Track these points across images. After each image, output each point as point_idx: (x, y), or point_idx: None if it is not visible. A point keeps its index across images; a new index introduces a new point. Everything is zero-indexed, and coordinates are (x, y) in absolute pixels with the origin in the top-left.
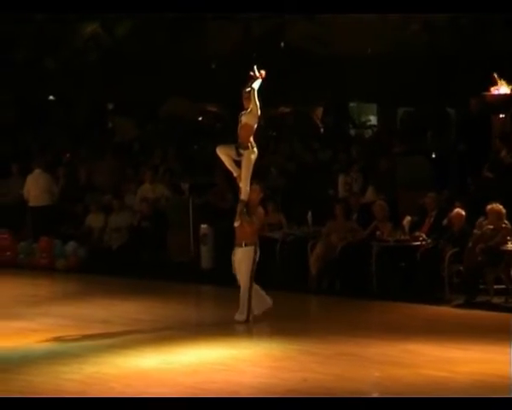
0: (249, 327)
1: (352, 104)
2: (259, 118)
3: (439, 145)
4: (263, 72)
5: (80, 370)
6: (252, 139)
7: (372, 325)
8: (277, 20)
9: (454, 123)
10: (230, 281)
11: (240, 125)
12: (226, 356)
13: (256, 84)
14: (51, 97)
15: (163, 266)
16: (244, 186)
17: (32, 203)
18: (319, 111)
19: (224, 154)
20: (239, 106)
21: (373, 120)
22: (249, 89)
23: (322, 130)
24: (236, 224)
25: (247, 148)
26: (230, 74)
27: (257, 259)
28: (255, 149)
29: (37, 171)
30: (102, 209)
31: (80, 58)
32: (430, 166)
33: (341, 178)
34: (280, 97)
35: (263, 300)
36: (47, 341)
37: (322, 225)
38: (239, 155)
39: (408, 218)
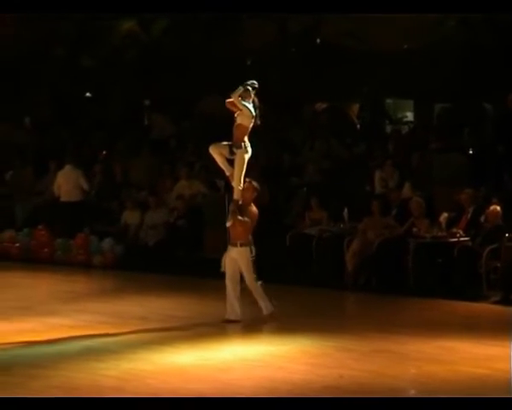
0: (285, 324)
1: (388, 100)
2: (255, 118)
3: (475, 142)
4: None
5: (117, 366)
6: (246, 139)
7: (409, 321)
8: (313, 17)
9: (491, 119)
10: (266, 277)
11: (235, 125)
12: (262, 352)
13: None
14: (88, 94)
15: (199, 262)
16: (236, 185)
17: (63, 199)
18: (355, 107)
19: (216, 152)
20: (274, 103)
21: (409, 116)
22: (229, 99)
23: (358, 126)
24: (229, 224)
25: (240, 147)
26: (266, 71)
27: (254, 257)
28: (248, 149)
29: (68, 167)
30: (139, 206)
31: (117, 55)
32: (467, 163)
33: (377, 175)
34: (316, 94)
35: (234, 308)
36: (84, 337)
37: (359, 221)
38: (232, 153)
39: (445, 214)
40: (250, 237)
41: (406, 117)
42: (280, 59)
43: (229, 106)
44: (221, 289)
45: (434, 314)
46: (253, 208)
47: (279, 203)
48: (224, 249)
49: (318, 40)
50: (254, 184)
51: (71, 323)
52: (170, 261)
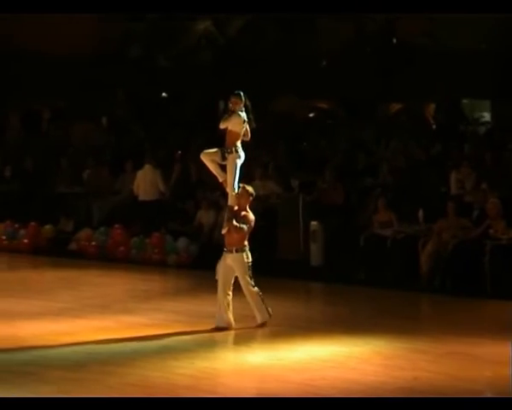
0: (358, 325)
1: (464, 100)
2: (249, 122)
3: None
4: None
5: (191, 365)
6: (238, 144)
7: (484, 324)
8: (389, 17)
9: None
10: (340, 278)
11: (227, 131)
12: (336, 353)
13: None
14: (164, 94)
15: (273, 262)
16: (230, 191)
17: (140, 198)
18: (431, 108)
19: (208, 160)
20: (349, 103)
21: (487, 116)
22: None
23: (434, 126)
24: (224, 231)
25: (231, 152)
26: (341, 71)
27: (250, 263)
28: (241, 154)
29: (146, 166)
30: (213, 206)
31: (193, 55)
32: None
33: (453, 176)
34: (392, 94)
35: (227, 316)
36: (159, 336)
37: (434, 222)
38: (224, 159)
39: None
40: (246, 242)
41: (483, 117)
42: (355, 59)
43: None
44: (294, 290)
45: (510, 317)
46: (250, 214)
47: (353, 203)
48: (298, 250)
49: (394, 40)
50: (249, 189)
51: (146, 321)
52: None
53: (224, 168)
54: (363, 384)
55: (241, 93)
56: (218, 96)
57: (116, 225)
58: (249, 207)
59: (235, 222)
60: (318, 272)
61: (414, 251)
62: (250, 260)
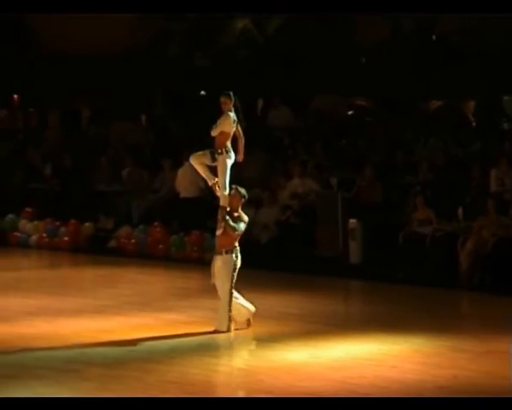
0: (397, 323)
1: (505, 98)
2: (238, 122)
3: None
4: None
5: (230, 362)
6: (228, 144)
7: None
8: (428, 14)
9: None
10: (379, 276)
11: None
12: (375, 351)
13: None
14: (202, 93)
15: (311, 260)
16: (222, 192)
17: (182, 195)
18: (471, 105)
19: (197, 163)
20: (389, 100)
21: None
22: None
23: (473, 124)
24: (219, 232)
25: (221, 153)
26: (380, 69)
27: (238, 265)
28: (231, 155)
29: (186, 164)
30: (252, 203)
31: (231, 54)
32: None
33: (493, 173)
34: (431, 91)
35: (243, 308)
36: (198, 333)
37: (473, 220)
38: (214, 160)
39: None
40: (237, 244)
41: None
42: (394, 56)
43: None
44: (332, 288)
45: None
46: (243, 215)
47: (392, 201)
48: (337, 247)
49: (434, 37)
50: (241, 190)
51: (185, 319)
52: (282, 259)
53: (213, 170)
54: (402, 383)
55: (231, 93)
56: (256, 95)
57: (155, 223)
58: (268, 207)
59: (231, 222)
60: (357, 270)
61: (453, 249)
62: (239, 263)
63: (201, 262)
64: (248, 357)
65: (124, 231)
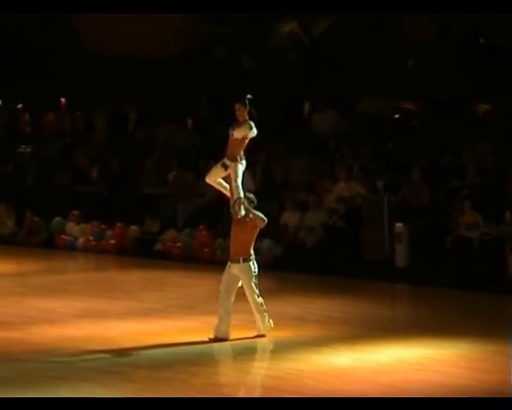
0: (444, 327)
1: None
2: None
3: None
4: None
5: (276, 365)
6: (241, 152)
7: None
8: (476, 16)
9: None
10: (425, 280)
11: (230, 139)
12: (421, 356)
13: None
14: (249, 96)
15: (357, 264)
16: (237, 195)
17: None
18: None
19: (214, 181)
20: (436, 103)
21: None
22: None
23: None
24: (240, 216)
25: (235, 160)
26: (427, 71)
27: (255, 273)
28: (243, 162)
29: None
30: (298, 207)
31: (278, 57)
32: None
33: None
34: (479, 94)
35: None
36: (243, 337)
37: None
38: (226, 169)
39: None
40: (252, 251)
41: None
42: (441, 59)
43: (238, 110)
44: (378, 291)
45: None
46: (253, 221)
47: (439, 205)
48: (383, 251)
49: (481, 39)
50: (250, 196)
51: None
52: (328, 262)
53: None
54: (448, 387)
55: (247, 101)
56: (303, 98)
57: (201, 227)
58: (314, 211)
59: (256, 212)
60: (403, 274)
61: (500, 253)
62: (256, 269)
63: None
64: (295, 360)
65: (169, 234)
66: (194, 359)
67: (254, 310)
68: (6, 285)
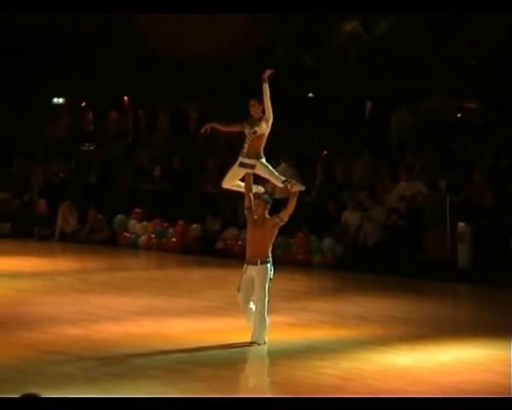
0: (507, 328)
1: None
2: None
3: None
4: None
5: (337, 365)
6: (262, 149)
7: None
8: None
9: None
10: (488, 280)
11: (255, 136)
12: (484, 357)
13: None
14: (310, 95)
15: (419, 263)
16: (279, 183)
17: (276, 196)
18: None
19: (233, 185)
20: (499, 102)
21: None
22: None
23: None
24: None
25: (258, 157)
26: (491, 70)
27: (271, 277)
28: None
29: (283, 165)
30: (359, 206)
31: (340, 56)
32: None
33: None
34: None
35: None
36: (304, 336)
37: None
38: (246, 166)
39: None
40: (270, 253)
41: None
42: (505, 58)
43: (252, 106)
44: (441, 292)
45: None
46: (272, 220)
47: (502, 205)
48: (445, 251)
49: None
50: (265, 197)
51: (291, 321)
52: (389, 262)
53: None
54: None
55: (260, 97)
56: (365, 97)
57: None
58: (375, 210)
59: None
60: (466, 274)
61: None
62: (273, 273)
63: (307, 264)
64: (356, 360)
65: (231, 232)
66: (256, 357)
67: (257, 316)
68: (69, 282)
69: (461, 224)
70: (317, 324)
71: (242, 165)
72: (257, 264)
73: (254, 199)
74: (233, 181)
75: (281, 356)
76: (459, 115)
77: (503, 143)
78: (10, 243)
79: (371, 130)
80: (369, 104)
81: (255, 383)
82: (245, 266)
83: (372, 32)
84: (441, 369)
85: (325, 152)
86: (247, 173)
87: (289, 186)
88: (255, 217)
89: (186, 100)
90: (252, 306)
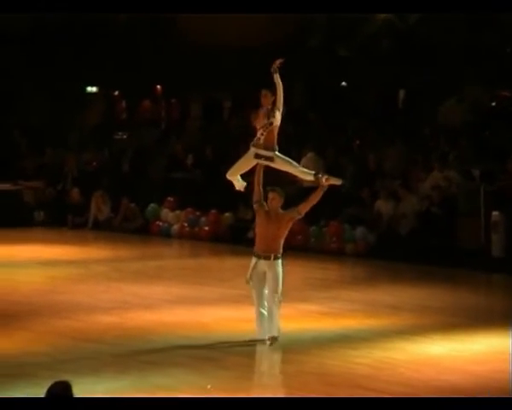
0: None
1: None
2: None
3: None
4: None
5: (370, 354)
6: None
7: None
8: None
9: None
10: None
11: (270, 128)
12: None
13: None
14: (343, 83)
15: (452, 252)
16: (308, 177)
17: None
18: None
19: (236, 178)
20: None
21: None
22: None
23: None
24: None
25: (274, 149)
26: None
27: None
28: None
29: (310, 154)
30: (392, 195)
31: (373, 44)
32: None
33: None
34: None
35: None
36: (336, 324)
37: None
38: (261, 158)
39: None
40: (281, 249)
41: None
42: None
43: (264, 96)
44: (474, 281)
45: None
46: (288, 214)
47: None
48: (479, 240)
49: None
50: (280, 190)
51: (323, 310)
52: (423, 251)
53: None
54: None
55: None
56: (398, 85)
57: None
58: (408, 199)
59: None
60: (499, 263)
61: None
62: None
63: (340, 253)
64: (389, 349)
65: None
66: (288, 346)
67: (275, 308)
68: (102, 271)
69: (495, 213)
70: (350, 313)
71: (258, 156)
72: (270, 259)
73: (268, 192)
74: (240, 172)
75: (312, 345)
76: (493, 104)
77: None
78: (44, 232)
79: (404, 119)
80: (402, 93)
81: (287, 373)
82: (254, 259)
83: (405, 20)
84: (474, 358)
85: (358, 141)
86: (258, 165)
87: (324, 180)
88: (267, 210)
89: (219, 89)
90: (264, 311)
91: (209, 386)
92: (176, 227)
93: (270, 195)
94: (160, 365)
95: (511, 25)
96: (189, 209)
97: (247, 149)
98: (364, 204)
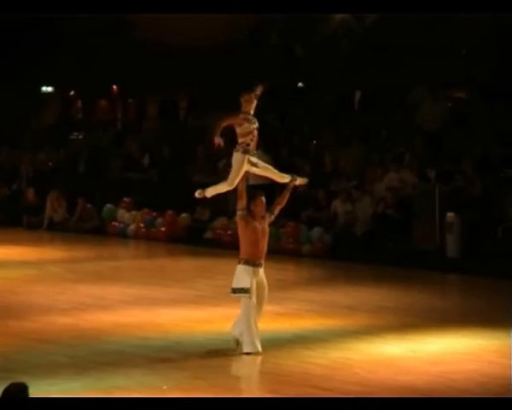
0: (497, 318)
1: None
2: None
3: None
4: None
5: (325, 354)
6: None
7: None
8: None
9: None
10: (477, 270)
11: (256, 131)
12: (473, 346)
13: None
14: (300, 84)
15: (407, 253)
16: (283, 178)
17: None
18: None
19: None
20: (488, 92)
21: None
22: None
23: None
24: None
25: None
26: (481, 60)
27: None
28: None
29: (259, 151)
30: (348, 196)
31: (329, 45)
32: None
33: None
34: None
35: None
36: (292, 325)
37: None
38: (255, 164)
39: None
40: None
41: None
42: (493, 48)
43: (246, 101)
44: (430, 281)
45: None
46: (266, 218)
47: (491, 195)
48: (434, 241)
49: None
50: (262, 193)
51: (280, 310)
52: (378, 252)
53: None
54: (502, 379)
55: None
56: (354, 87)
57: None
58: (364, 200)
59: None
60: (454, 264)
61: None
62: None
63: (297, 254)
64: (344, 350)
65: (220, 222)
66: None
67: (258, 318)
68: (58, 272)
69: (449, 214)
70: (306, 313)
71: (253, 164)
72: (262, 265)
73: (255, 197)
74: (239, 173)
75: (269, 345)
76: (449, 105)
77: (493, 133)
78: None
79: (361, 120)
80: (358, 94)
81: (242, 373)
82: (249, 268)
83: (362, 21)
84: (430, 359)
85: (314, 142)
86: (245, 172)
87: (297, 182)
88: (253, 216)
89: (175, 89)
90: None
91: (165, 387)
92: (132, 228)
93: (258, 200)
94: (116, 365)
95: (466, 26)
96: (146, 210)
97: (204, 149)
98: (320, 205)
